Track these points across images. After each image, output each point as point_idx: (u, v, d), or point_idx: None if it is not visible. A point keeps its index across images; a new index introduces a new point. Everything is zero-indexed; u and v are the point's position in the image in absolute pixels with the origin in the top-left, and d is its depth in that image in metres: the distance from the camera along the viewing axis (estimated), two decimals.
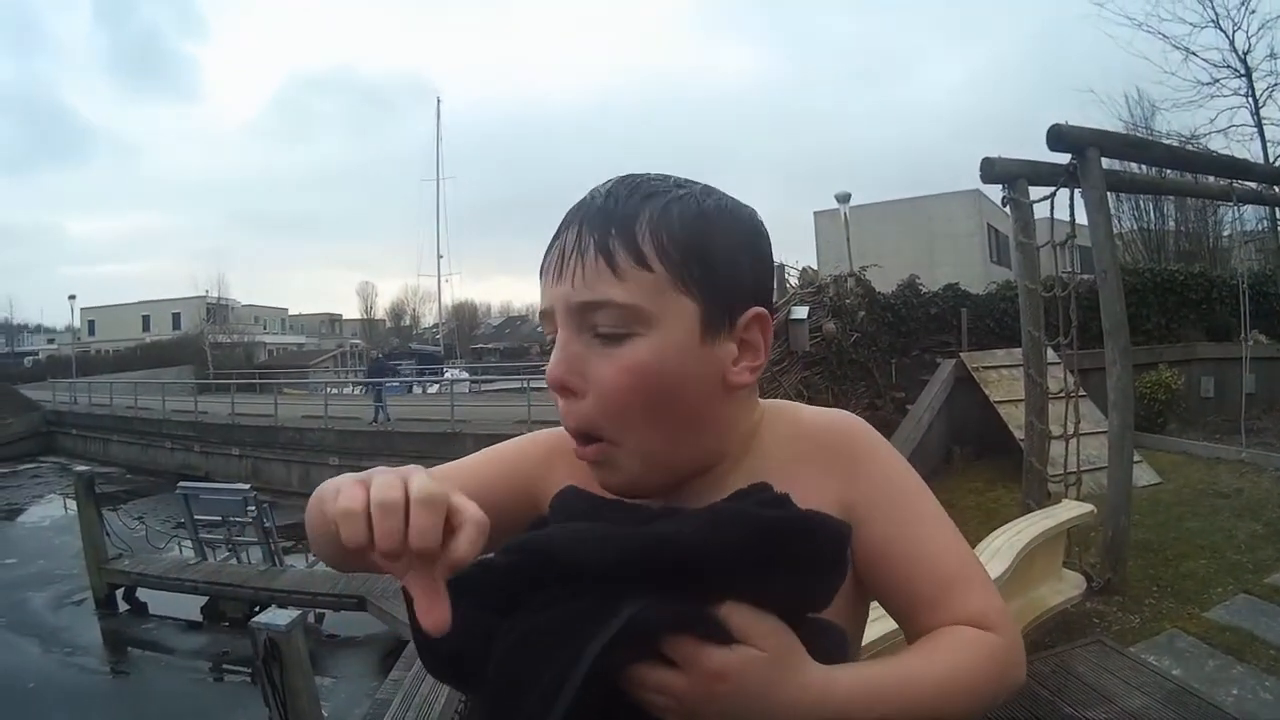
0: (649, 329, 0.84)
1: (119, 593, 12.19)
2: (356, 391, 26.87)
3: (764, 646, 0.74)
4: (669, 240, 0.85)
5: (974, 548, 4.25)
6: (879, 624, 1.11)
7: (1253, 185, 9.17)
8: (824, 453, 0.96)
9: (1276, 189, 9.63)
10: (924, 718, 0.82)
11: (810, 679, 0.77)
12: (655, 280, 0.84)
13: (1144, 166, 11.06)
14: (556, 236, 0.90)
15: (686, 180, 0.92)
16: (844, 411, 1.01)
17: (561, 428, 0.96)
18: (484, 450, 1.10)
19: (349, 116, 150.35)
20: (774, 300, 0.98)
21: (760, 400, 1.00)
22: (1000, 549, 4.37)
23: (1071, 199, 6.11)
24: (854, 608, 0.94)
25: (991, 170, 6.36)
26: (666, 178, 0.91)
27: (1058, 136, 5.89)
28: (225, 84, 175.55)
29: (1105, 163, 6.16)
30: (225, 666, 10.30)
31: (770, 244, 0.96)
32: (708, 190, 0.92)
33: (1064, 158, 6.05)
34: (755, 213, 0.95)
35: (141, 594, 12.23)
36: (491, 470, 1.06)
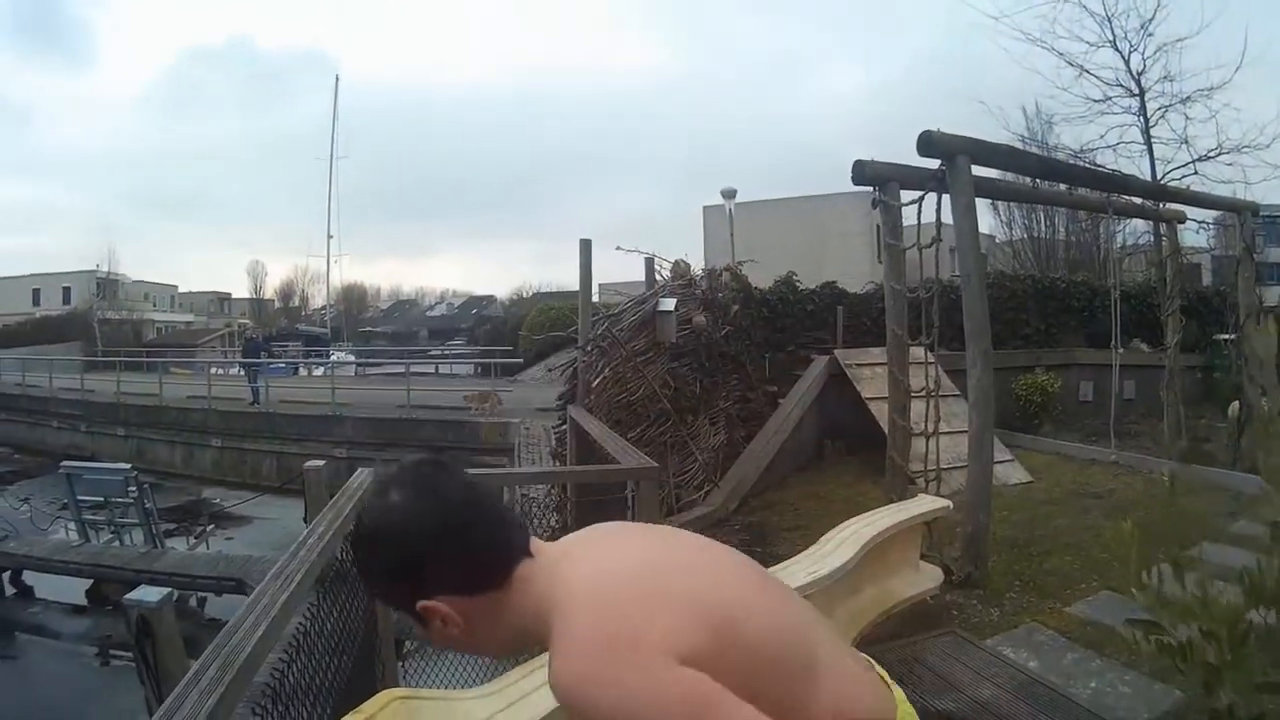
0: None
1: (5, 576, 11.92)
2: (240, 372, 26.58)
3: None
4: (375, 593, 1.38)
5: (824, 534, 4.43)
6: None
7: (1134, 200, 9.59)
8: None
9: (1160, 205, 10.08)
10: None
11: None
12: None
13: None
14: None
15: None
16: (567, 668, 1.15)
17: None
18: None
19: (245, 91, 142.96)
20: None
21: (547, 595, 1.25)
22: (845, 539, 4.49)
23: (939, 204, 6.32)
24: None
25: (863, 173, 6.52)
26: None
27: (928, 143, 6.10)
28: (120, 52, 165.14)
29: (988, 171, 6.37)
30: (110, 651, 10.14)
31: (399, 515, 1.27)
32: (356, 533, 1.33)
33: (935, 163, 6.27)
34: (386, 505, 1.28)
35: (28, 577, 11.97)
36: None
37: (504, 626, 1.28)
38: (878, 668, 1.45)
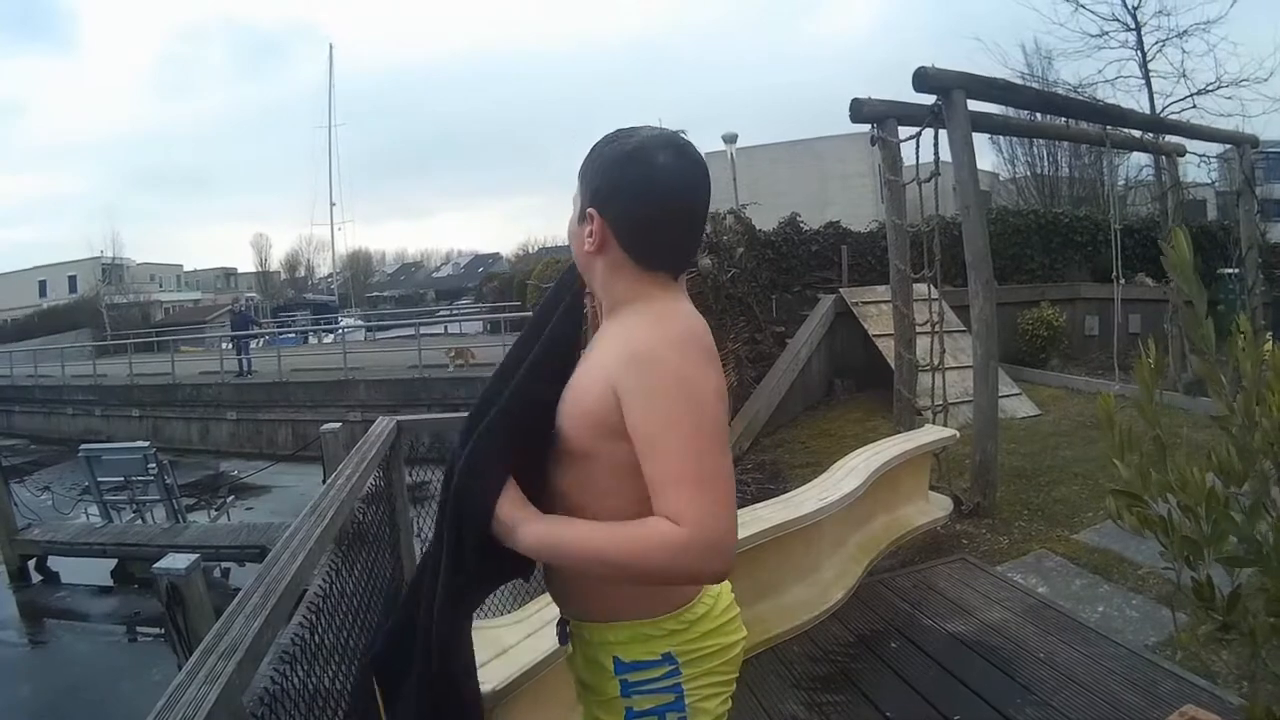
0: (572, 216, 1.54)
1: (31, 563, 12.09)
2: (255, 344, 26.70)
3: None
4: (583, 174, 1.50)
5: (833, 464, 4.51)
6: None
7: (1133, 133, 9.56)
8: (619, 343, 1.42)
9: (1159, 138, 10.04)
10: (584, 566, 1.39)
11: (502, 515, 1.43)
12: (579, 194, 1.50)
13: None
14: None
15: (638, 132, 1.48)
16: (667, 331, 1.41)
17: None
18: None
19: (239, 66, 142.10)
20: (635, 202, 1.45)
21: (656, 298, 1.48)
22: (855, 468, 4.57)
23: (936, 139, 6.34)
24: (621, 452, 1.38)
25: (860, 111, 6.54)
26: (633, 133, 1.48)
27: (923, 78, 6.09)
28: (107, 35, 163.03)
29: (985, 106, 6.38)
30: (138, 628, 10.35)
31: (648, 168, 1.43)
32: (628, 138, 1.46)
33: (932, 99, 6.28)
34: (652, 153, 1.44)
35: (53, 563, 12.17)
36: None
37: (608, 279, 1.51)
38: None
